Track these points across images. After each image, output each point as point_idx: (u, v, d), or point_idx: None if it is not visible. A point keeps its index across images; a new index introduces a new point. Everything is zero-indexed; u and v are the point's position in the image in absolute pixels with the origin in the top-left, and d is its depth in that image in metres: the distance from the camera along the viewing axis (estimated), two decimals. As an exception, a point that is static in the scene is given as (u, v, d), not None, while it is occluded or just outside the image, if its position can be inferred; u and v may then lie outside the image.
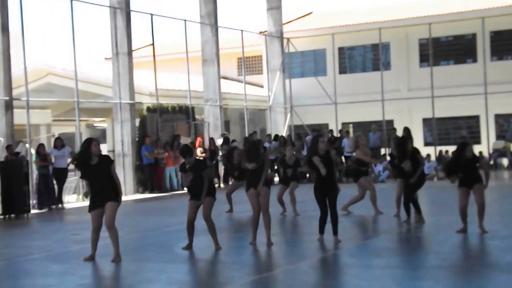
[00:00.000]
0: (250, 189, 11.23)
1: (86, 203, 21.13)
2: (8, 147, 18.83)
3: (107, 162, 10.50)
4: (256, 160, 11.08)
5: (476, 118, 31.67)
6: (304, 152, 28.06)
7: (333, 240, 11.20)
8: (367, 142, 27.82)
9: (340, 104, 32.03)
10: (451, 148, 28.19)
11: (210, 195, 10.94)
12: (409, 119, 31.64)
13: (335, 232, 11.29)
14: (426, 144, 31.63)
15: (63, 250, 12.03)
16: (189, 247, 11.09)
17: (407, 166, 13.14)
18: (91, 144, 10.33)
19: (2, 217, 17.62)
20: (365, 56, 34.82)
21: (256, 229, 11.30)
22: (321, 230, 11.42)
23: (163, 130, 25.90)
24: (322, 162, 11.05)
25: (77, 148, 23.83)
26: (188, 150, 11.12)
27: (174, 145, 24.71)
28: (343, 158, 27.54)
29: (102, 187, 10.33)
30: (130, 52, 24.77)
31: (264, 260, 10.48)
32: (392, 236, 12.42)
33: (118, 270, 10.05)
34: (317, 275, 9.14)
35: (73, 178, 23.13)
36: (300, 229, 13.93)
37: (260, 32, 34.45)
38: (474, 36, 31.89)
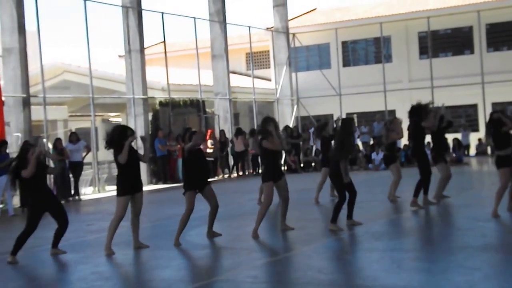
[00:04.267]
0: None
1: (102, 194, 21.90)
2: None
3: (135, 149, 10.55)
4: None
5: (474, 107, 32.26)
6: (311, 143, 29.02)
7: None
8: (371, 132, 28.92)
9: (344, 95, 32.62)
10: (451, 136, 29.25)
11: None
12: (410, 109, 32.20)
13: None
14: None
15: (78, 240, 12.07)
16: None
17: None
18: (127, 130, 10.33)
19: (21, 209, 17.63)
20: (368, 50, 35.34)
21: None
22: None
23: (175, 123, 25.96)
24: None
25: (93, 142, 24.02)
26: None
27: (185, 137, 25.34)
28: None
29: (134, 172, 10.38)
30: (142, 49, 25.03)
31: (272, 246, 10.61)
32: (391, 220, 12.54)
33: (131, 258, 10.17)
34: (321, 259, 9.25)
35: (89, 171, 23.27)
36: (303, 215, 13.68)
37: (267, 28, 34.82)
38: (470, 28, 32.48)
